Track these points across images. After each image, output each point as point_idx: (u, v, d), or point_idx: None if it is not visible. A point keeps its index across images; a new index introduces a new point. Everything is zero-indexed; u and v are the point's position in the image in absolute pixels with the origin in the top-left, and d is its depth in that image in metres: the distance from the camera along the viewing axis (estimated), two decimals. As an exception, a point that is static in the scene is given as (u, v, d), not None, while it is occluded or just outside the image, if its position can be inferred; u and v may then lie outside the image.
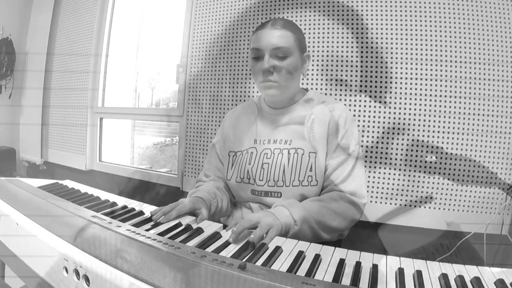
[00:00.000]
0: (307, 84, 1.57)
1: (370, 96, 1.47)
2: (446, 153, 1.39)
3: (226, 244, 0.65)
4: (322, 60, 1.54)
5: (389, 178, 1.46)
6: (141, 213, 0.79)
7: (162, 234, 0.67)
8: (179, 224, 0.74)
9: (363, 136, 1.49)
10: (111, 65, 2.39)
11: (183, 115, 1.93)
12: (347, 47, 1.51)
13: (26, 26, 2.70)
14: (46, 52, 2.52)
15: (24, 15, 2.72)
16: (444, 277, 0.54)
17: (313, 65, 1.55)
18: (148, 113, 2.46)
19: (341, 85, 1.50)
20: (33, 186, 0.95)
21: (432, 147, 1.41)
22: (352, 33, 1.50)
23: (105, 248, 0.57)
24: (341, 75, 1.51)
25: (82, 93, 2.37)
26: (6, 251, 0.71)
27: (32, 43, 2.64)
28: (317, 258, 0.60)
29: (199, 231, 0.71)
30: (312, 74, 1.56)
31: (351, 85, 1.49)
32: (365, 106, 1.48)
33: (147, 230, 0.69)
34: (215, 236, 0.69)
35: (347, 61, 1.51)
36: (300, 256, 0.60)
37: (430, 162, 1.41)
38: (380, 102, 1.46)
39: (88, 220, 0.68)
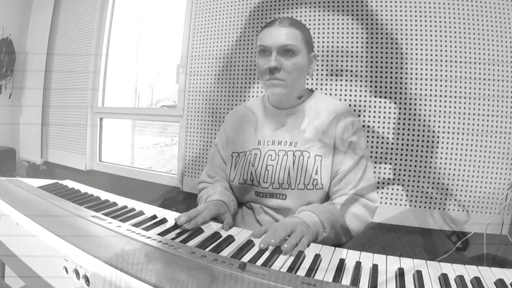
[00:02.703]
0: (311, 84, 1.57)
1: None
2: (446, 154, 1.39)
3: (226, 244, 0.65)
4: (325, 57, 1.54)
5: (389, 178, 1.46)
6: (141, 213, 0.79)
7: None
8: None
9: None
10: (111, 65, 2.39)
11: (183, 115, 1.93)
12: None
13: (26, 26, 2.70)
14: (46, 52, 2.52)
15: (24, 15, 2.71)
16: (444, 277, 0.54)
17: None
18: (148, 113, 2.46)
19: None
20: (33, 186, 0.95)
21: (432, 147, 1.41)
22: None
23: (105, 248, 0.57)
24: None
25: (82, 93, 2.37)
26: (6, 251, 0.71)
27: (32, 43, 2.64)
28: (317, 258, 0.60)
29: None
30: (317, 74, 1.56)
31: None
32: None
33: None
34: (215, 236, 0.69)
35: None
36: (300, 256, 0.60)
37: (428, 162, 1.41)
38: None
39: (88, 220, 0.68)
